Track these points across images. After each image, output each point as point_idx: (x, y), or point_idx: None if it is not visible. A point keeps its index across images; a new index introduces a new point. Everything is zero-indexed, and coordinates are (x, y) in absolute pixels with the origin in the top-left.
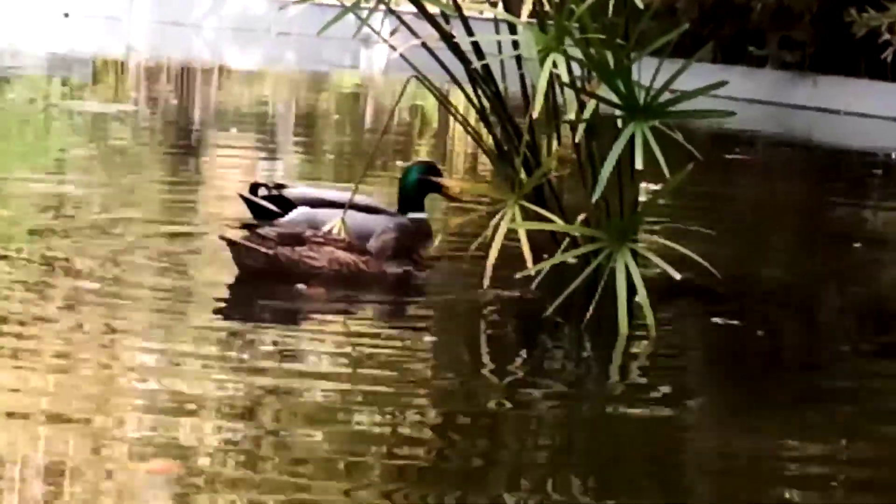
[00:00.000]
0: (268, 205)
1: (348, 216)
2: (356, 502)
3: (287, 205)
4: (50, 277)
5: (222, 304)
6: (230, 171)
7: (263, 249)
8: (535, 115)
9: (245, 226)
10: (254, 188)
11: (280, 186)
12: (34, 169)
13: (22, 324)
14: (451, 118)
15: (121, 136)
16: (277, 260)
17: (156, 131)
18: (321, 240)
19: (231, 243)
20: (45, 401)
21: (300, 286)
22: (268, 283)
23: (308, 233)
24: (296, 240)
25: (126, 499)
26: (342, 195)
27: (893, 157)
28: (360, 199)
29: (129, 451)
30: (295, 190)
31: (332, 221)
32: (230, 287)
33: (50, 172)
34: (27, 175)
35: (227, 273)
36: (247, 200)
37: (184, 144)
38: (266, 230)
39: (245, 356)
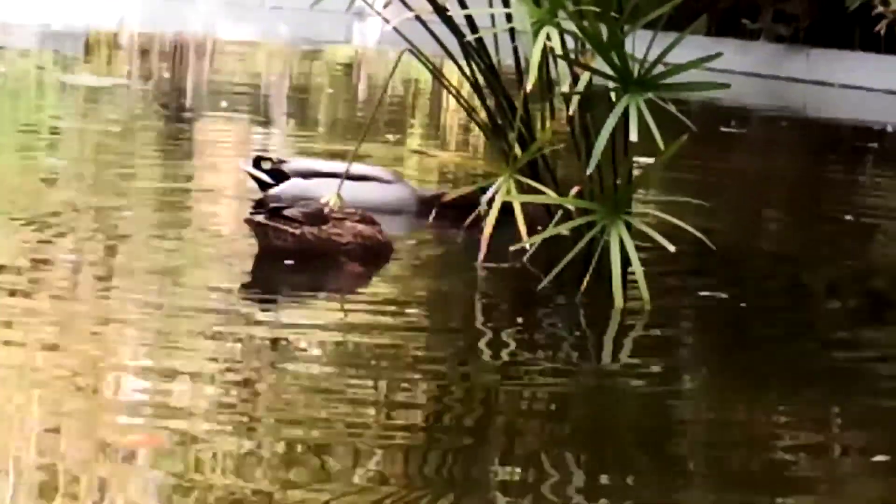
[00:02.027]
0: (265, 177)
1: (361, 188)
2: (351, 474)
3: (284, 178)
4: (41, 247)
5: (215, 277)
6: (223, 143)
7: (291, 230)
8: (528, 88)
9: (271, 209)
10: (257, 161)
11: (282, 161)
12: (26, 141)
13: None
14: (445, 92)
15: (113, 109)
16: (305, 239)
17: (149, 104)
18: (341, 215)
19: (259, 225)
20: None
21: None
22: (262, 256)
23: (326, 209)
24: (320, 218)
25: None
26: (340, 167)
27: (889, 129)
28: (359, 167)
29: (120, 412)
30: (293, 163)
31: (328, 192)
32: (223, 261)
33: (42, 145)
34: (19, 146)
35: (217, 246)
36: (251, 174)
37: (177, 117)
38: (291, 211)
39: (239, 326)
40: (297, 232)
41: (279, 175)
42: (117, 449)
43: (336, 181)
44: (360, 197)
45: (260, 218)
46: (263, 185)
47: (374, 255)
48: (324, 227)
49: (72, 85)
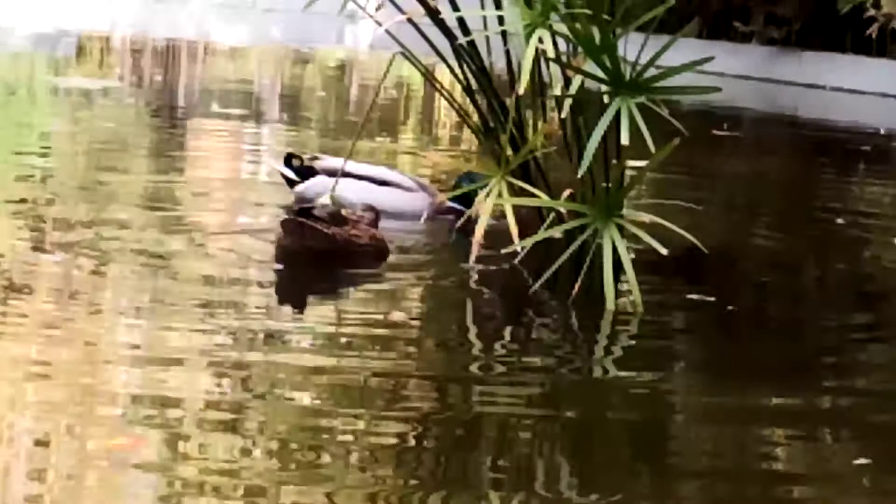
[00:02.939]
0: (291, 175)
1: (381, 193)
2: (342, 474)
3: (313, 174)
4: (35, 252)
5: (204, 273)
6: (214, 146)
7: (325, 230)
8: (520, 91)
9: (300, 209)
10: (288, 159)
11: (315, 158)
12: (18, 144)
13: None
14: (437, 94)
15: (105, 112)
16: (334, 240)
17: (140, 107)
18: (355, 218)
19: (299, 225)
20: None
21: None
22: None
23: (343, 212)
24: (341, 219)
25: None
26: (369, 169)
27: (881, 131)
28: (385, 172)
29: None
30: (325, 161)
31: (350, 192)
32: (211, 256)
33: (34, 148)
34: (10, 150)
35: (209, 244)
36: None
37: (168, 120)
38: (319, 211)
39: (232, 324)
40: (329, 232)
41: (309, 172)
42: (104, 451)
43: (360, 182)
44: (379, 201)
45: (300, 218)
46: (291, 183)
47: (380, 255)
48: (345, 228)
49: (64, 88)
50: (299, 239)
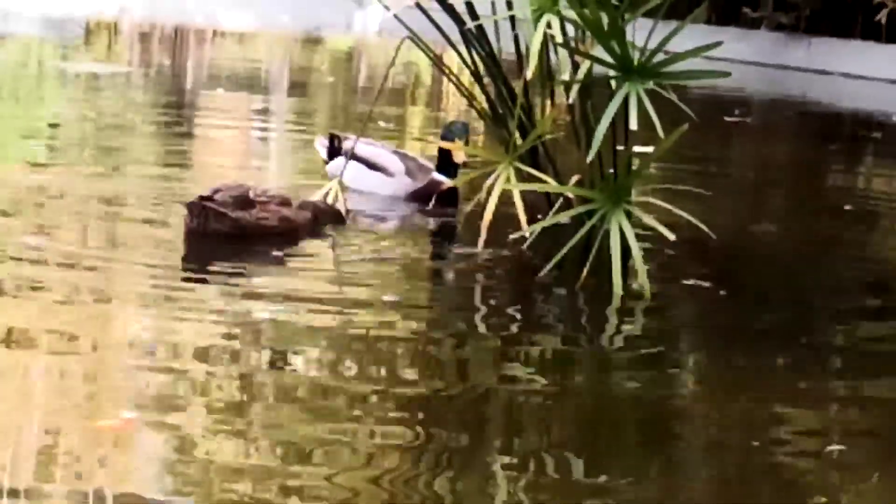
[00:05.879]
0: (323, 153)
1: (365, 176)
2: (347, 460)
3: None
4: (33, 238)
5: (208, 257)
6: (221, 131)
7: (231, 214)
8: (529, 76)
9: (203, 195)
10: (331, 138)
11: (346, 138)
12: (26, 129)
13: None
14: (446, 80)
15: (113, 97)
16: (239, 223)
17: (148, 92)
18: (265, 199)
19: (203, 208)
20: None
21: None
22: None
23: (251, 194)
24: (247, 203)
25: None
26: (368, 150)
27: (893, 119)
28: (377, 153)
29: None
30: (347, 143)
31: (347, 175)
32: (216, 241)
33: (43, 133)
34: (19, 135)
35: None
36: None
37: (176, 105)
38: (221, 196)
39: (235, 308)
40: (234, 216)
41: (337, 151)
42: (93, 432)
43: (354, 164)
44: (358, 182)
45: (203, 202)
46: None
47: (292, 235)
48: (251, 211)
49: (72, 73)
50: (204, 223)
